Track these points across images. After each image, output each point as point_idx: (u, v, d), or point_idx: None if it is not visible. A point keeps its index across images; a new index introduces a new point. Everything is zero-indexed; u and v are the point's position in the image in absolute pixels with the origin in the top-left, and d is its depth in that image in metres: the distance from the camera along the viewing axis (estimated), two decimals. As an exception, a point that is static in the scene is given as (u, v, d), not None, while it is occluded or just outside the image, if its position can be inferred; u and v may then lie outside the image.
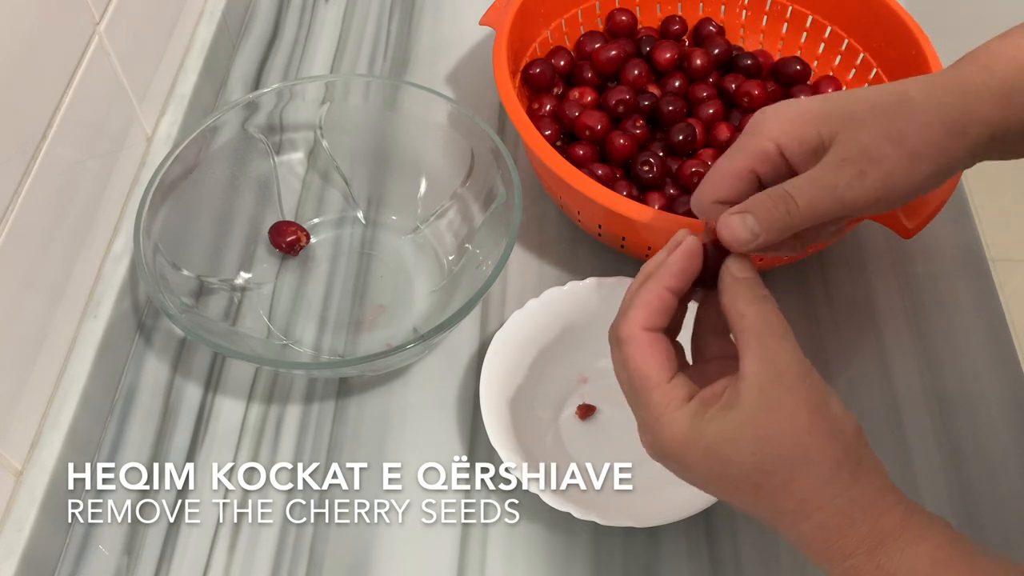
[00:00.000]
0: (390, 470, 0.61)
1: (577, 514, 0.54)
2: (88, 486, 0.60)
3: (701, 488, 0.42)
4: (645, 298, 0.43)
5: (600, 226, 0.66)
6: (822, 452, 0.39)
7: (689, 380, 0.42)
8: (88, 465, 0.60)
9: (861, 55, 0.74)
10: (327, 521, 0.59)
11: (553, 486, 0.57)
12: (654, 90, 0.74)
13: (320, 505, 0.59)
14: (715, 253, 0.43)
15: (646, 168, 0.67)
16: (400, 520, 0.59)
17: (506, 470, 0.56)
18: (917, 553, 0.38)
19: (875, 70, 0.73)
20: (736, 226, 0.43)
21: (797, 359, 0.40)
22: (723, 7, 0.79)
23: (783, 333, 0.41)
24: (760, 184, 0.45)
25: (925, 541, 0.39)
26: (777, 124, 0.44)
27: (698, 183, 0.66)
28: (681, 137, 0.69)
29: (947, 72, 0.44)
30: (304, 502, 0.60)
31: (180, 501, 0.60)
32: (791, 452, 0.39)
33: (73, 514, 0.58)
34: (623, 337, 0.43)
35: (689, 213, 0.65)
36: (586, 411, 0.62)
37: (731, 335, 0.42)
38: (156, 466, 0.61)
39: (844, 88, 0.75)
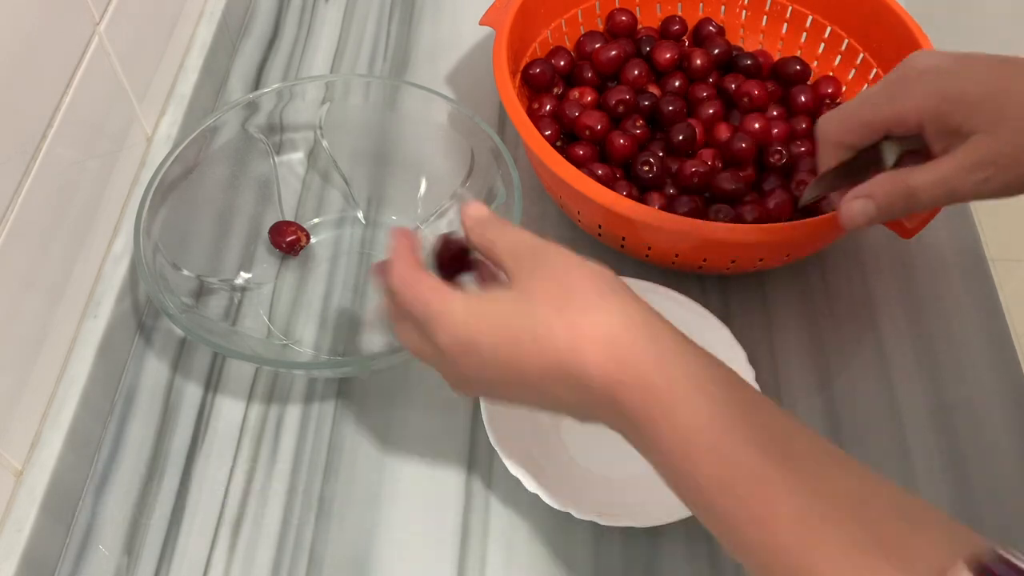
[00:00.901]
0: (390, 470, 0.61)
1: (577, 514, 0.54)
2: (88, 486, 0.60)
3: (489, 370, 0.42)
4: (398, 252, 0.46)
5: (600, 226, 0.66)
6: (582, 282, 0.41)
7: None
8: (88, 465, 0.60)
9: (861, 55, 0.74)
10: (327, 521, 0.59)
11: (553, 486, 0.57)
12: (654, 90, 0.74)
13: (320, 505, 0.60)
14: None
15: (646, 168, 0.68)
16: (400, 520, 0.59)
17: (506, 470, 0.56)
18: (698, 369, 0.39)
19: (875, 70, 0.73)
20: (856, 211, 0.47)
21: (539, 240, 0.43)
22: (723, 7, 0.79)
23: (521, 231, 0.44)
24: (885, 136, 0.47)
25: (703, 360, 0.39)
26: (929, 101, 0.45)
27: (698, 183, 0.67)
28: (681, 137, 0.69)
29: None
30: (304, 502, 0.60)
31: (180, 501, 0.60)
32: (553, 289, 0.40)
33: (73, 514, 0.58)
34: (393, 284, 0.44)
35: (689, 213, 0.65)
36: (586, 411, 0.62)
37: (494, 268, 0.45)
38: (156, 466, 0.61)
39: (843, 89, 0.75)
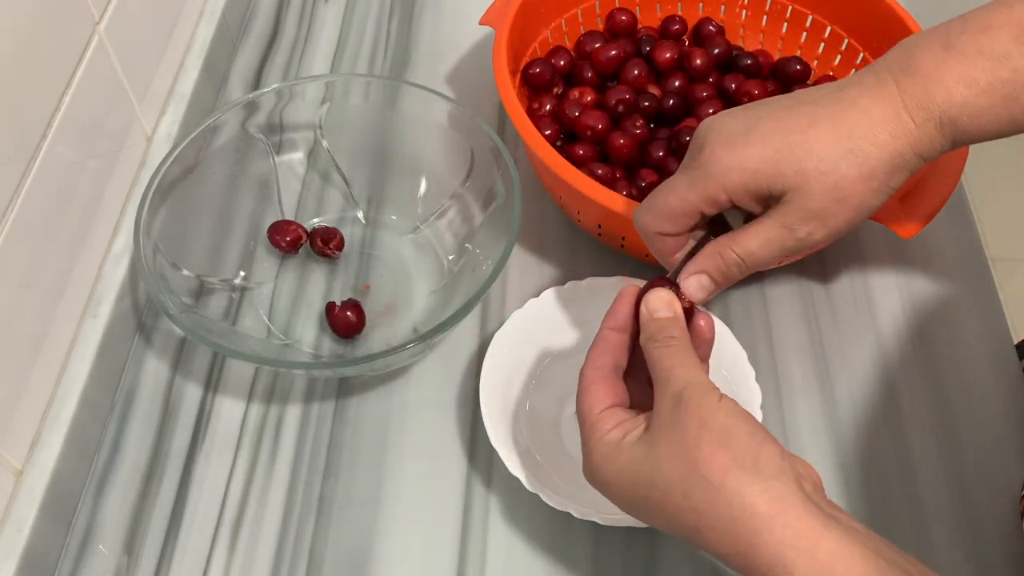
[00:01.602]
0: (390, 470, 0.61)
1: (577, 514, 0.54)
2: (88, 486, 0.60)
3: (630, 514, 0.45)
4: (595, 339, 0.49)
5: (600, 226, 0.66)
6: (708, 462, 0.40)
7: (624, 412, 0.46)
8: (88, 465, 0.60)
9: (861, 55, 0.74)
10: (327, 521, 0.59)
11: (553, 486, 0.57)
12: (654, 90, 0.74)
13: (320, 505, 0.60)
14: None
15: (638, 128, 0.70)
16: (400, 520, 0.59)
17: (506, 470, 0.56)
18: (836, 569, 0.37)
19: (875, 70, 0.73)
20: (693, 288, 0.49)
21: (695, 383, 0.43)
22: (723, 7, 0.79)
23: (685, 364, 0.44)
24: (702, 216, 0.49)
25: (840, 560, 0.37)
26: (731, 176, 0.46)
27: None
28: (688, 139, 0.69)
29: (887, 112, 0.45)
30: (304, 502, 0.60)
31: (180, 501, 0.60)
32: (680, 466, 0.40)
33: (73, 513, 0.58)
34: (580, 375, 0.48)
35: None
36: (586, 411, 0.62)
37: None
38: (156, 466, 0.61)
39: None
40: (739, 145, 0.46)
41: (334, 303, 0.65)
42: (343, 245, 0.70)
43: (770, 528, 0.38)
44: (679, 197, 0.48)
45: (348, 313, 0.65)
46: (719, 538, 0.39)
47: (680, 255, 0.50)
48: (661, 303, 0.47)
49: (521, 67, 0.73)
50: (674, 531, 0.42)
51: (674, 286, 0.49)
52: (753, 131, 0.46)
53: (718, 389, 0.43)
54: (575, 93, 0.73)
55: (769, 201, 0.47)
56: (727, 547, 0.39)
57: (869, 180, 0.45)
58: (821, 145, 0.45)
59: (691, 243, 0.50)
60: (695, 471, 0.40)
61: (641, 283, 0.49)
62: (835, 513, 0.39)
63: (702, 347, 0.49)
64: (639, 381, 0.49)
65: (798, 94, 0.48)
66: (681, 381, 0.43)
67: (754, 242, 0.47)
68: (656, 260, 0.66)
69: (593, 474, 0.45)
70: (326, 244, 0.68)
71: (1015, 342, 0.68)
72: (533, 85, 0.73)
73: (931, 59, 0.45)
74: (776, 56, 0.79)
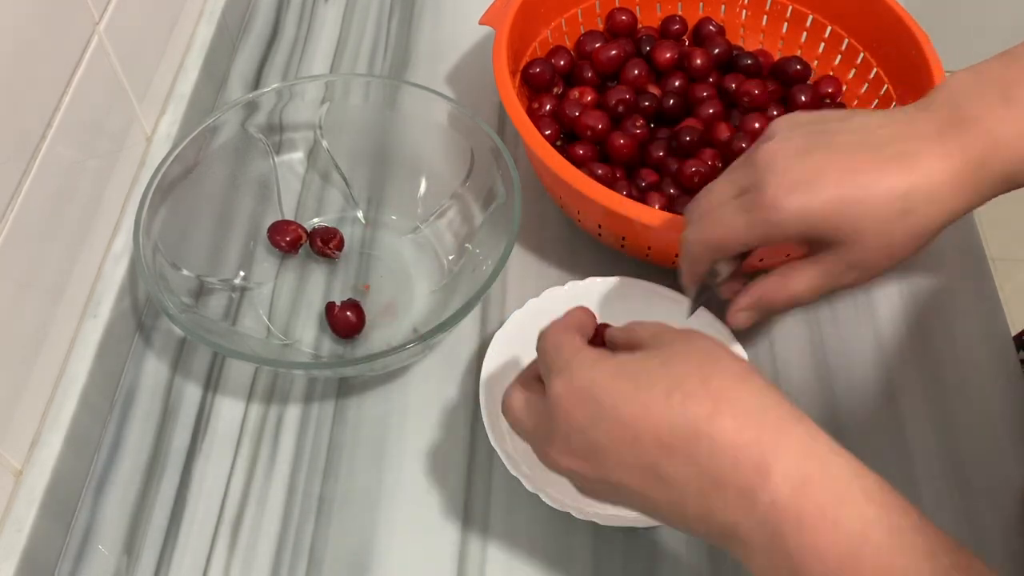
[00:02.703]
0: (390, 470, 0.61)
1: (577, 514, 0.54)
2: (88, 486, 0.60)
3: (608, 435, 0.40)
4: (562, 318, 0.49)
5: (600, 226, 0.66)
6: (727, 356, 0.41)
7: None
8: (88, 464, 0.60)
9: (861, 54, 0.74)
10: (327, 521, 0.59)
11: (553, 486, 0.57)
12: (654, 90, 0.74)
13: (320, 505, 0.60)
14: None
15: (637, 128, 0.70)
16: (400, 520, 0.59)
17: (506, 470, 0.56)
18: (860, 478, 0.38)
19: (875, 70, 0.73)
20: (742, 322, 0.52)
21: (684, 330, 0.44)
22: (723, 7, 0.79)
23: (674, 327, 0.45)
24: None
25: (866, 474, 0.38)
26: (791, 225, 0.46)
27: (699, 183, 0.67)
28: (688, 138, 0.69)
29: (950, 165, 0.45)
30: (304, 502, 0.60)
31: (180, 501, 0.60)
32: (700, 351, 0.41)
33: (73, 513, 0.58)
34: (545, 330, 0.47)
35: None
36: (586, 411, 0.62)
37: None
38: (156, 466, 0.61)
39: (843, 88, 0.75)
40: (803, 194, 0.46)
41: (334, 303, 0.65)
42: (343, 245, 0.70)
43: (801, 418, 0.39)
44: (737, 238, 0.48)
45: (348, 313, 0.65)
46: (740, 425, 0.37)
47: (696, 278, 0.53)
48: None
49: (521, 67, 0.73)
50: (674, 429, 0.38)
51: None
52: (818, 181, 0.46)
53: None
54: (575, 93, 0.73)
55: (820, 246, 0.48)
56: (747, 436, 0.37)
57: (919, 239, 0.47)
58: (881, 204, 0.45)
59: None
60: (717, 358, 0.41)
61: (628, 280, 0.52)
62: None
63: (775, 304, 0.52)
64: None
65: (859, 126, 0.47)
66: (673, 327, 0.46)
67: (802, 287, 0.49)
68: (655, 261, 0.66)
69: (576, 385, 0.41)
70: (326, 244, 0.68)
71: (1014, 340, 0.68)
72: (533, 85, 0.73)
73: (990, 114, 0.45)
74: (776, 56, 0.78)
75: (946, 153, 0.45)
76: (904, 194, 0.45)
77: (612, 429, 0.40)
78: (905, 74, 0.70)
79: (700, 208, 0.51)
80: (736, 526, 0.37)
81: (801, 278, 0.49)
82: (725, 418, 0.38)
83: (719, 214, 0.49)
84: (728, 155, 0.69)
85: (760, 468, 0.37)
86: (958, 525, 0.59)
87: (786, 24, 0.78)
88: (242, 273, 0.68)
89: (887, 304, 0.69)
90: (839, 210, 0.45)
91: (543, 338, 0.46)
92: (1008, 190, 0.47)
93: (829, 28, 0.76)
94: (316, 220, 0.72)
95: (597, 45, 0.75)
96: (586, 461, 0.42)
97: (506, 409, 0.47)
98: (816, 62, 0.77)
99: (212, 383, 0.65)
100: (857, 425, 0.63)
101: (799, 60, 0.75)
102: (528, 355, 0.63)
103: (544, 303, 0.63)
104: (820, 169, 0.46)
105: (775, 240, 0.47)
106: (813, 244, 0.48)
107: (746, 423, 0.38)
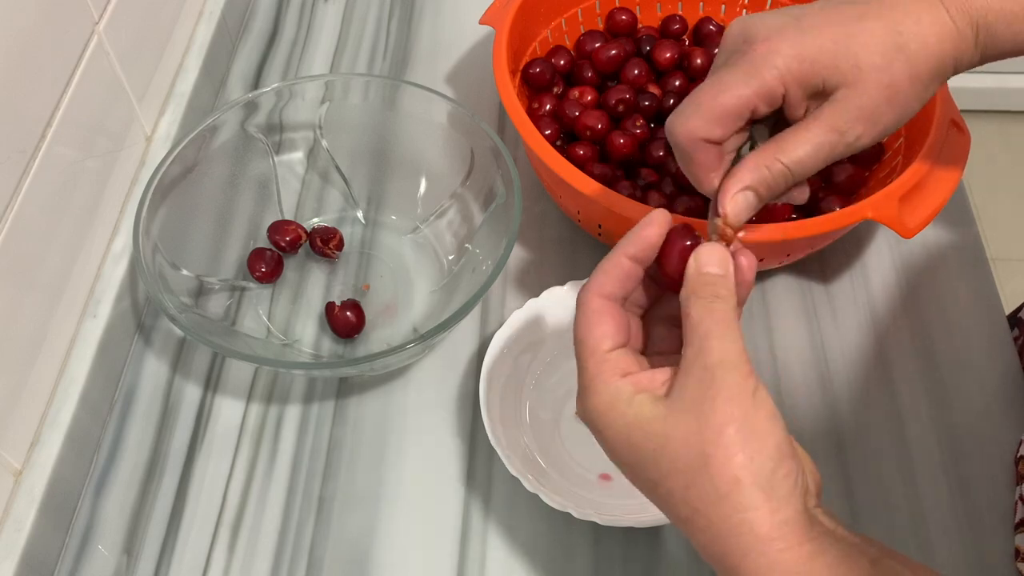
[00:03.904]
0: (390, 470, 0.61)
1: (577, 514, 0.54)
2: (87, 486, 0.60)
3: (613, 462, 0.41)
4: (604, 265, 0.42)
5: (600, 226, 0.66)
6: (721, 466, 0.36)
7: (634, 358, 0.41)
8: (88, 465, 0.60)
9: (861, 55, 0.74)
10: (327, 521, 0.59)
11: (553, 486, 0.57)
12: (654, 90, 0.74)
13: (320, 505, 0.59)
14: (689, 239, 0.42)
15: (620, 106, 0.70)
16: (400, 520, 0.59)
17: (506, 470, 0.56)
18: None
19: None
20: (740, 207, 0.44)
21: (732, 363, 0.38)
22: (723, 6, 0.79)
23: (725, 334, 0.39)
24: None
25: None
26: (790, 65, 0.43)
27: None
28: None
29: (932, 14, 0.43)
30: (304, 502, 0.60)
31: (180, 501, 0.60)
32: (691, 458, 0.37)
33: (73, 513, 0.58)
34: (578, 301, 0.42)
35: (689, 212, 0.64)
36: (586, 411, 0.62)
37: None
38: (156, 466, 0.61)
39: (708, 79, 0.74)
40: (794, 35, 0.43)
41: (333, 303, 0.65)
42: (343, 245, 0.69)
43: (764, 551, 0.36)
44: (734, 94, 0.43)
45: (348, 313, 0.65)
46: (709, 540, 0.37)
47: (717, 176, 0.45)
48: (714, 258, 0.41)
49: (521, 67, 0.73)
50: (660, 507, 0.39)
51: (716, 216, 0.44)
52: (803, 21, 0.43)
53: (755, 374, 0.38)
54: (575, 93, 0.73)
55: (817, 100, 0.44)
56: (713, 552, 0.37)
57: (916, 82, 0.43)
58: (875, 40, 0.43)
59: (728, 161, 0.45)
60: (704, 470, 0.36)
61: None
62: (834, 528, 0.38)
63: (742, 287, 0.42)
64: (661, 323, 0.45)
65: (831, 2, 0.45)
66: (717, 355, 0.38)
67: (802, 149, 0.43)
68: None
69: (589, 415, 0.41)
70: (326, 244, 0.68)
71: (1015, 342, 0.68)
72: (533, 85, 0.73)
73: None
74: (776, 56, 0.78)
75: (929, 4, 0.44)
76: (894, 30, 0.43)
77: (616, 466, 0.41)
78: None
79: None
80: None
81: (801, 140, 0.43)
82: (697, 531, 0.38)
83: (707, 81, 0.44)
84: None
85: (727, 572, 0.37)
86: (959, 526, 0.59)
87: (786, 24, 0.78)
88: (242, 273, 0.68)
89: (887, 304, 0.69)
90: (836, 45, 0.43)
91: (580, 295, 0.42)
92: (989, 54, 0.44)
93: (829, 28, 0.76)
94: (316, 220, 0.71)
95: (597, 45, 0.75)
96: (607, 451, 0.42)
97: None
98: (816, 62, 0.77)
99: (212, 383, 0.65)
100: (858, 425, 0.63)
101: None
102: (528, 355, 0.63)
103: (544, 303, 0.63)
104: (802, 13, 0.44)
105: (776, 94, 0.43)
106: (808, 101, 0.44)
107: (714, 542, 0.37)
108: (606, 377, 0.40)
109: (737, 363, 0.38)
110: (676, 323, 0.43)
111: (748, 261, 0.42)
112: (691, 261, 0.41)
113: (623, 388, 0.39)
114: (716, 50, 0.73)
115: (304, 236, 0.69)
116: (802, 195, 0.47)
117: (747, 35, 0.44)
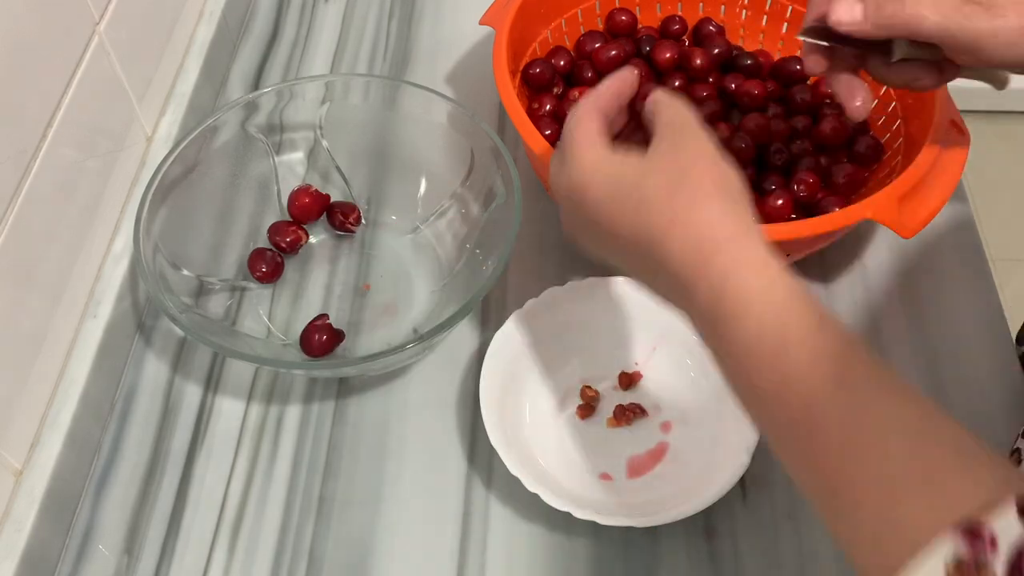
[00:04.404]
0: (390, 470, 0.61)
1: (577, 514, 0.54)
2: (88, 486, 0.60)
3: (592, 227, 0.46)
4: (615, 75, 0.51)
5: (600, 226, 0.66)
6: (700, 174, 0.43)
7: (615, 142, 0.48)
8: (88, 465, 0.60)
9: (861, 55, 0.74)
10: (327, 521, 0.59)
11: (553, 486, 0.57)
12: (654, 90, 0.74)
13: (320, 505, 0.60)
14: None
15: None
16: (400, 520, 0.59)
17: (506, 470, 0.56)
18: (780, 278, 0.40)
19: (875, 70, 0.73)
20: (842, 11, 0.48)
21: (698, 123, 0.46)
22: (723, 7, 0.79)
23: (688, 110, 0.46)
24: None
25: (787, 276, 0.41)
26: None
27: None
28: None
29: None
30: (304, 502, 0.60)
31: (180, 501, 0.60)
32: (673, 172, 0.43)
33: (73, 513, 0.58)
34: (576, 109, 0.49)
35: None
36: (586, 411, 0.62)
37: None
38: (156, 466, 0.61)
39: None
40: None
41: (313, 324, 0.64)
42: (361, 219, 0.70)
43: (737, 245, 0.41)
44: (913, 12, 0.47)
45: (323, 336, 0.64)
46: (682, 245, 0.41)
47: None
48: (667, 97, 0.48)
49: (521, 67, 0.73)
50: (638, 235, 0.43)
51: None
52: None
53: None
54: (575, 93, 0.73)
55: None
56: (688, 255, 0.41)
57: None
58: None
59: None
60: (686, 176, 0.43)
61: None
62: None
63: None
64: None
65: None
66: (683, 120, 0.46)
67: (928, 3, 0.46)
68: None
69: (573, 177, 0.46)
70: (347, 218, 0.69)
71: (1015, 342, 0.68)
72: (533, 85, 0.73)
73: None
74: (776, 56, 0.78)
75: None
76: None
77: (600, 223, 0.46)
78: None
79: None
80: (686, 312, 0.44)
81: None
82: (675, 238, 0.42)
83: None
84: (728, 154, 0.69)
85: (688, 286, 0.42)
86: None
87: (786, 24, 0.78)
88: (242, 273, 0.68)
89: (887, 304, 0.69)
90: None
91: (574, 107, 0.49)
92: None
93: (829, 28, 0.76)
94: (316, 219, 0.71)
95: (597, 45, 0.75)
96: (589, 241, 0.48)
97: (551, 167, 0.50)
98: (816, 62, 0.77)
99: (212, 383, 0.65)
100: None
101: (799, 60, 0.75)
102: (528, 355, 0.63)
103: (544, 303, 0.63)
104: None
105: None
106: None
107: (690, 243, 0.42)
108: (593, 139, 0.47)
109: (701, 126, 0.46)
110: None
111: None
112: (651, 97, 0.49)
113: (608, 148, 0.46)
114: (716, 50, 0.74)
115: (304, 237, 0.69)
116: (1000, 82, 0.51)
117: None
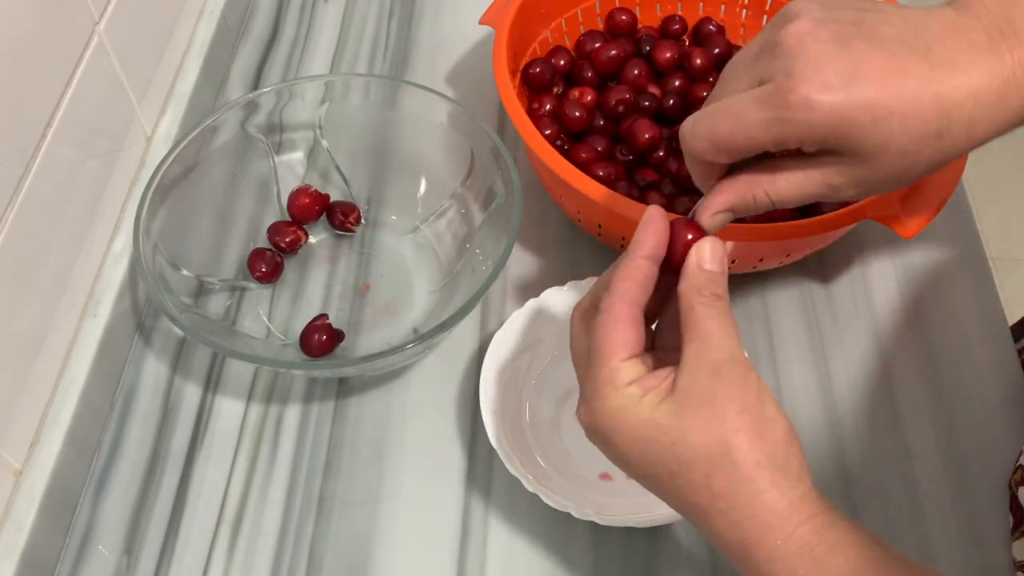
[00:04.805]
0: (390, 470, 0.61)
1: (577, 514, 0.54)
2: (88, 486, 0.60)
3: (623, 470, 0.43)
4: (624, 272, 0.43)
5: (600, 226, 0.66)
6: (743, 451, 0.39)
7: (643, 365, 0.42)
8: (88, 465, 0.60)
9: (861, 55, 0.74)
10: (327, 521, 0.59)
11: (553, 486, 0.57)
12: (654, 90, 0.74)
13: (320, 505, 0.59)
14: (690, 232, 0.44)
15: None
16: (400, 520, 0.59)
17: (506, 470, 0.56)
18: (831, 564, 0.38)
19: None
20: (718, 224, 0.44)
21: (737, 358, 0.40)
22: (723, 7, 0.79)
23: (727, 331, 0.41)
24: None
25: (839, 554, 0.38)
26: (816, 130, 0.39)
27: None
28: None
29: (999, 83, 0.39)
30: (304, 502, 0.60)
31: (180, 501, 0.60)
32: (712, 446, 0.39)
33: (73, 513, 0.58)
34: (603, 306, 0.43)
35: (688, 212, 0.64)
36: (586, 411, 0.62)
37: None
38: (156, 466, 0.61)
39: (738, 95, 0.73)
40: (839, 93, 0.38)
41: (313, 324, 0.64)
42: (360, 219, 0.70)
43: (783, 527, 0.38)
44: (748, 135, 0.40)
45: (323, 336, 0.64)
46: (728, 525, 0.39)
47: (713, 184, 0.45)
48: (717, 255, 0.43)
49: (521, 67, 0.73)
50: (676, 503, 0.41)
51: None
52: (857, 81, 0.38)
53: (754, 369, 0.41)
54: (575, 93, 0.73)
55: (824, 151, 0.41)
56: (733, 535, 0.39)
57: (938, 165, 0.41)
58: (919, 123, 0.39)
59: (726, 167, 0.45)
60: (727, 456, 0.39)
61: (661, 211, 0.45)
62: (831, 505, 0.40)
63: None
64: (655, 321, 0.46)
65: (899, 20, 0.40)
66: (724, 350, 0.40)
67: (791, 191, 0.42)
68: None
69: (597, 420, 0.42)
70: (347, 218, 0.69)
71: (1015, 344, 0.68)
72: (533, 85, 0.73)
73: None
74: (776, 56, 0.78)
75: (995, 67, 0.39)
76: (946, 113, 0.39)
77: (625, 469, 0.43)
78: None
79: (709, 99, 0.44)
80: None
81: (792, 182, 0.42)
82: (717, 516, 0.39)
83: (731, 104, 0.41)
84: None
85: (741, 560, 0.40)
86: (960, 528, 0.59)
87: (786, 24, 0.78)
88: (242, 273, 0.68)
89: (887, 304, 0.69)
90: (874, 120, 0.39)
91: (589, 334, 0.44)
92: None
93: (829, 28, 0.76)
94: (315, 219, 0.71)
95: (597, 45, 0.75)
96: (603, 452, 0.44)
97: (570, 339, 0.46)
98: (816, 62, 0.77)
99: (212, 383, 0.65)
100: (857, 425, 0.63)
101: (799, 60, 0.75)
102: (528, 355, 0.63)
103: (544, 303, 0.63)
104: (859, 66, 0.39)
105: (789, 143, 0.40)
106: (823, 148, 0.41)
107: (734, 525, 0.39)
108: (617, 384, 0.41)
109: (741, 358, 0.40)
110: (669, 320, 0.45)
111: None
112: (692, 255, 0.43)
113: (633, 392, 0.41)
114: (716, 49, 0.74)
115: (304, 238, 0.69)
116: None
117: (793, 61, 0.39)
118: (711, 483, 0.39)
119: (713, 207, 0.44)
